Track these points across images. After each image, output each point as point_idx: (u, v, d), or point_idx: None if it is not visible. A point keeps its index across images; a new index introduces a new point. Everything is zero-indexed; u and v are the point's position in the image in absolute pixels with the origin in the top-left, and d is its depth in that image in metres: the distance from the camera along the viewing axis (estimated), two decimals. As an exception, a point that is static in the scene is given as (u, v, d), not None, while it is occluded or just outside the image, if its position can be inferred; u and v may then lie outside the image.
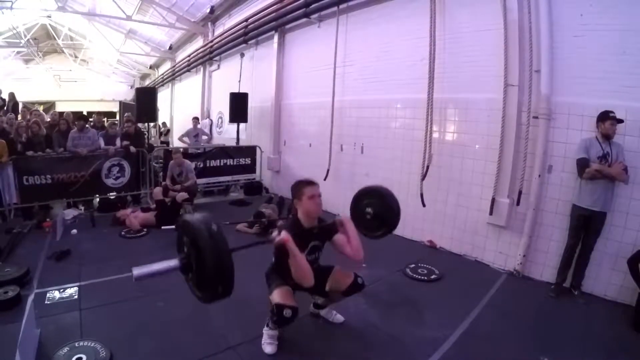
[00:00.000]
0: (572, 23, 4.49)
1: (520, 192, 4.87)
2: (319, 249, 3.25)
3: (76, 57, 23.88)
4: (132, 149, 7.90)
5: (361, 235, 3.31)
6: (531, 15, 4.75)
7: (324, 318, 3.68)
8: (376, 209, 3.50)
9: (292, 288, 3.10)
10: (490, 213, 5.14)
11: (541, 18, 4.67)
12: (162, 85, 20.07)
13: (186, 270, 2.20)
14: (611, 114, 4.03)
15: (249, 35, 10.26)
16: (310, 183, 3.15)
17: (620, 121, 4.03)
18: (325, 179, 7.30)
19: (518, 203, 4.91)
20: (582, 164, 4.16)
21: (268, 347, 3.15)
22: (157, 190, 6.97)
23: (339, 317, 3.66)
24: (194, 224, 2.09)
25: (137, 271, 2.04)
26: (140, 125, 9.79)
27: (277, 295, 3.03)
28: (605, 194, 4.12)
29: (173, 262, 2.16)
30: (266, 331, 3.23)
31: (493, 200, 5.10)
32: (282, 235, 2.81)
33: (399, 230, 6.40)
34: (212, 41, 13.02)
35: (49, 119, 9.21)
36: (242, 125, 10.42)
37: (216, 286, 2.07)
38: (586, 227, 4.28)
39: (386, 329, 3.64)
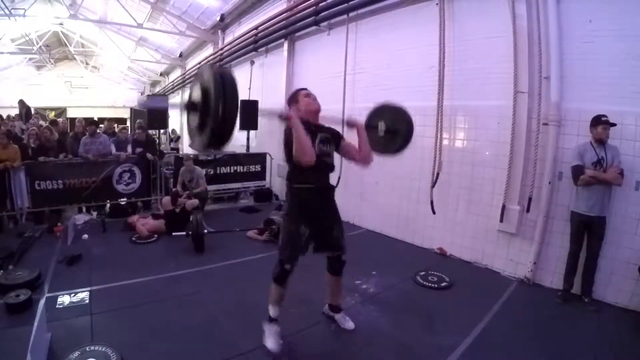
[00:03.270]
0: (581, 29, 4.48)
1: (530, 199, 4.85)
2: (329, 142, 3.35)
3: (87, 63, 24.12)
4: (149, 155, 7.98)
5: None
6: (540, 22, 4.75)
7: (337, 324, 3.67)
8: (387, 121, 3.61)
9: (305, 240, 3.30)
10: (501, 220, 5.11)
11: (550, 24, 4.66)
12: (173, 92, 20.18)
13: (189, 108, 2.35)
14: (603, 118, 4.05)
15: (259, 43, 10.31)
16: (303, 88, 3.48)
17: (613, 125, 4.03)
18: (336, 186, 7.26)
19: (528, 210, 4.88)
20: (577, 172, 4.18)
21: (269, 342, 3.21)
22: (166, 200, 6.95)
23: (350, 324, 3.64)
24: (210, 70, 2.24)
25: (139, 100, 2.16)
26: (150, 131, 9.87)
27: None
28: (602, 199, 4.13)
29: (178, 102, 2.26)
30: (266, 326, 3.31)
31: (503, 207, 5.07)
32: (290, 111, 3.04)
33: (408, 238, 6.48)
34: (222, 49, 13.09)
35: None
36: (252, 132, 10.45)
37: (216, 130, 2.21)
38: (588, 232, 4.27)
39: (396, 336, 3.62)
